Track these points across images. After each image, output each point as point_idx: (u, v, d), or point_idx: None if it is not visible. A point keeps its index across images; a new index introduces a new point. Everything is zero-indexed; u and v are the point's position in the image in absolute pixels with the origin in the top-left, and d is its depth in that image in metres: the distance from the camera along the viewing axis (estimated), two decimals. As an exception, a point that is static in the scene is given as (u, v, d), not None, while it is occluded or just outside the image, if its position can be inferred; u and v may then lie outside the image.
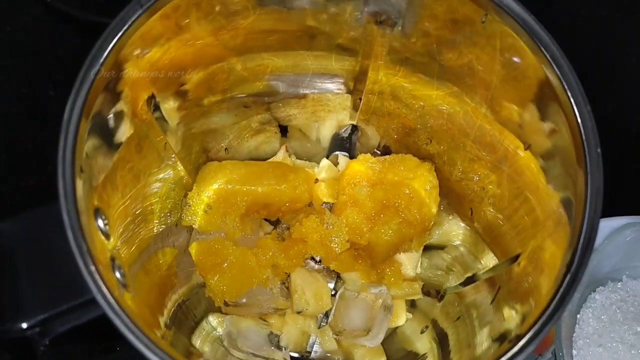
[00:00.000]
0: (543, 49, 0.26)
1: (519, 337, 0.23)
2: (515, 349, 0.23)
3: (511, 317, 0.29)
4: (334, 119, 0.42)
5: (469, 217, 0.38)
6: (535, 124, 0.30)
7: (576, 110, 0.25)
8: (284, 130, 0.42)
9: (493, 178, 0.35)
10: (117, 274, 0.25)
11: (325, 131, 0.43)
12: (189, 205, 0.38)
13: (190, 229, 0.38)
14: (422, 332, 0.39)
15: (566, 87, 0.26)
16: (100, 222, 0.25)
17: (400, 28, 0.32)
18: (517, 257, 0.32)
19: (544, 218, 0.29)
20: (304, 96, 0.40)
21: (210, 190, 0.38)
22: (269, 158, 0.42)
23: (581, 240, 0.23)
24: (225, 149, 0.40)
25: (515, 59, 0.29)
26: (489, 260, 0.37)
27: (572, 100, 0.26)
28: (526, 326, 0.23)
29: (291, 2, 0.31)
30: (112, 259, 0.25)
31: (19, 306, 0.23)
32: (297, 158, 0.42)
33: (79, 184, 0.24)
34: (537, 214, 0.29)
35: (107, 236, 0.26)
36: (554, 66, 0.26)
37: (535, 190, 0.30)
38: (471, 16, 0.29)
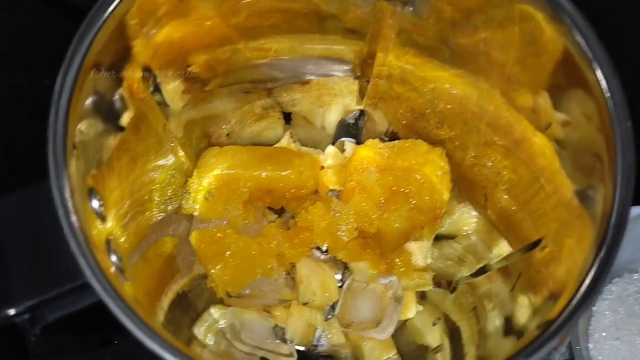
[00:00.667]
0: (566, 18, 0.25)
1: (548, 323, 0.22)
2: (547, 334, 0.21)
3: (534, 305, 0.27)
4: (340, 104, 0.40)
5: (482, 205, 0.36)
6: (555, 105, 0.28)
7: (604, 82, 0.24)
8: (287, 117, 0.41)
9: (508, 163, 0.33)
10: (113, 258, 0.23)
11: (331, 117, 0.41)
12: (189, 192, 0.36)
13: (190, 217, 0.37)
14: (434, 325, 0.37)
15: (591, 58, 0.24)
16: (95, 203, 0.24)
17: (411, 7, 0.31)
18: (535, 243, 0.30)
19: (566, 201, 0.27)
20: (309, 80, 0.38)
21: (211, 176, 0.36)
22: (272, 145, 0.41)
23: (613, 219, 0.22)
24: (227, 134, 0.39)
25: (534, 32, 0.27)
26: (502, 248, 0.35)
27: (598, 72, 0.24)
28: (556, 311, 0.22)
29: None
30: (107, 242, 0.24)
31: (6, 291, 0.21)
32: (301, 145, 0.41)
33: (72, 161, 0.23)
34: (558, 197, 0.28)
35: (103, 218, 0.24)
36: (579, 36, 0.24)
37: (554, 173, 0.28)
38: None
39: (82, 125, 0.24)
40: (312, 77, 0.38)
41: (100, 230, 0.24)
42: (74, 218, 0.21)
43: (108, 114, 0.26)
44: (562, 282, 0.25)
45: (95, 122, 0.25)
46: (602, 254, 0.22)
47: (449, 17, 0.31)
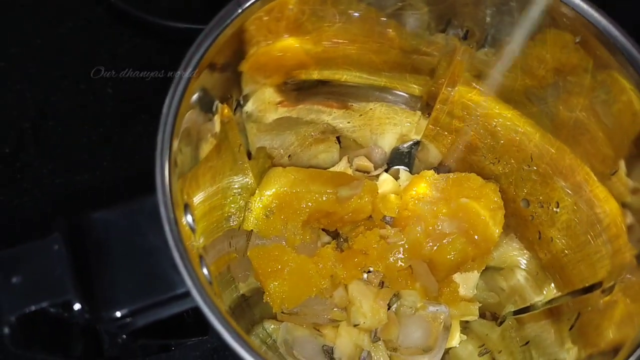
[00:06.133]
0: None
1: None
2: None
3: (591, 347, 0.28)
4: (397, 132, 0.42)
5: (534, 242, 0.37)
6: (630, 170, 0.29)
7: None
8: (338, 140, 0.42)
9: (567, 203, 0.34)
10: (205, 271, 0.25)
11: (384, 144, 0.43)
12: (250, 210, 0.38)
13: (249, 233, 0.38)
14: (480, 355, 0.38)
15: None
16: (189, 218, 0.25)
17: (486, 48, 0.32)
18: (591, 287, 0.31)
19: (630, 247, 0.28)
20: (372, 109, 0.40)
21: (272, 194, 0.37)
22: (326, 168, 0.42)
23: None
24: (289, 155, 0.40)
25: (606, 82, 0.28)
26: (550, 290, 0.36)
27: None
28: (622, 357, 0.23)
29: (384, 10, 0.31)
30: (201, 257, 0.25)
31: (112, 296, 0.22)
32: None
33: (174, 177, 0.24)
34: (622, 241, 0.29)
35: (194, 233, 0.26)
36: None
37: (618, 217, 0.29)
38: (562, 40, 0.29)
39: (180, 144, 0.25)
40: (375, 105, 0.39)
41: (194, 244, 0.25)
42: (177, 231, 0.23)
43: (201, 132, 0.28)
44: (622, 335, 0.25)
45: (190, 142, 0.27)
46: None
47: (527, 71, 0.31)
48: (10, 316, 0.22)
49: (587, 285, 0.31)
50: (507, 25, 0.30)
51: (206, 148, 0.29)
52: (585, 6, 0.27)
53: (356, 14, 0.31)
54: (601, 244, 0.31)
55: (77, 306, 0.22)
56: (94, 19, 0.51)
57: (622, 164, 0.28)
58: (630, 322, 0.26)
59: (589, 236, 0.32)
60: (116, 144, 0.48)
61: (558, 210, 0.34)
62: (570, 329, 0.31)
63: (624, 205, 0.28)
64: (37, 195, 0.46)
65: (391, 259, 0.37)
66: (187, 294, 0.23)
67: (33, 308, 0.22)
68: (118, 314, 0.22)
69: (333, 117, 0.39)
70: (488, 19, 0.31)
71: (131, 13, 0.50)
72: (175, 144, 0.25)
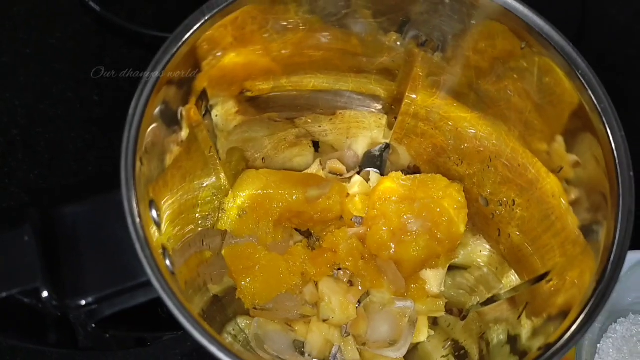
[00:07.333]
0: (580, 76, 0.28)
1: (548, 346, 0.24)
2: (547, 354, 0.24)
3: (537, 330, 0.30)
4: (368, 136, 0.43)
5: (495, 239, 0.39)
6: (568, 148, 0.31)
7: (610, 134, 0.27)
8: (316, 145, 0.44)
9: (521, 201, 0.36)
10: (168, 262, 0.26)
11: (357, 148, 0.44)
12: (224, 210, 0.39)
13: (224, 232, 0.40)
14: (444, 348, 0.39)
15: (601, 111, 0.27)
16: (154, 214, 0.27)
17: (441, 53, 0.34)
18: (542, 276, 0.33)
19: (573, 237, 0.30)
20: (341, 113, 0.41)
21: (246, 195, 0.39)
22: (301, 170, 0.44)
23: (613, 255, 0.25)
24: (263, 158, 0.42)
25: (552, 84, 0.30)
26: (512, 280, 0.38)
27: (606, 124, 0.27)
28: (557, 335, 0.24)
29: (341, 19, 0.33)
30: (164, 248, 0.27)
31: (78, 284, 0.24)
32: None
33: (138, 175, 0.26)
34: (566, 234, 0.31)
35: (159, 228, 0.27)
36: (590, 92, 0.27)
37: (563, 213, 0.31)
38: (511, 44, 0.31)
39: (147, 144, 0.27)
40: (344, 111, 0.41)
41: (158, 238, 0.27)
42: (139, 225, 0.24)
43: (168, 133, 0.30)
44: (564, 310, 0.27)
45: (158, 140, 0.29)
46: (601, 286, 0.25)
47: (476, 65, 0.34)
48: (-17, 302, 0.23)
49: (539, 275, 0.33)
50: (458, 31, 0.32)
51: (174, 150, 0.30)
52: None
53: (315, 17, 0.32)
54: (549, 237, 0.32)
55: (45, 294, 0.24)
56: (82, 29, 0.54)
57: (560, 139, 0.31)
58: (576, 292, 0.27)
59: (540, 230, 0.33)
60: (101, 150, 0.50)
61: (515, 207, 0.36)
62: (519, 317, 0.33)
63: (567, 182, 0.30)
64: (25, 199, 0.48)
65: (359, 257, 0.39)
66: (149, 283, 0.24)
67: (4, 295, 0.23)
68: (83, 301, 0.24)
69: (304, 121, 0.41)
70: (442, 26, 0.33)
71: (118, 23, 0.52)
72: (141, 143, 0.26)
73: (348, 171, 0.44)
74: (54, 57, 0.52)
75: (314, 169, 0.43)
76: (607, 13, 0.56)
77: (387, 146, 0.44)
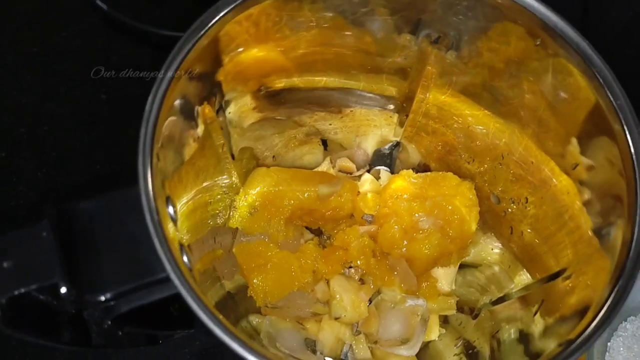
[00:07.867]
0: (596, 72, 0.28)
1: (569, 342, 0.24)
2: (567, 351, 0.24)
3: (552, 328, 0.30)
4: (378, 134, 0.43)
5: (506, 237, 0.39)
6: (582, 150, 0.31)
7: (627, 130, 0.27)
8: (324, 143, 0.44)
9: (534, 198, 0.36)
10: (185, 258, 0.26)
11: (367, 146, 0.44)
12: (236, 208, 0.39)
13: (235, 230, 0.40)
14: (455, 347, 0.39)
15: (617, 108, 0.27)
16: (171, 210, 0.27)
17: (455, 51, 0.34)
18: (555, 274, 0.33)
19: (587, 237, 0.30)
20: (352, 111, 0.41)
21: (257, 193, 0.39)
22: (311, 168, 0.44)
23: (631, 254, 0.25)
24: (273, 156, 0.42)
25: (566, 82, 0.30)
26: (523, 279, 0.38)
27: (623, 121, 0.27)
28: (577, 332, 0.24)
29: (356, 16, 0.33)
30: (180, 245, 0.27)
31: (97, 280, 0.24)
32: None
33: (155, 171, 0.26)
34: (580, 233, 0.31)
35: (175, 224, 0.27)
36: (606, 88, 0.27)
37: (577, 211, 0.31)
38: (525, 41, 0.31)
39: (163, 140, 0.27)
40: (354, 108, 0.41)
41: (174, 234, 0.27)
42: (157, 221, 0.24)
43: (183, 132, 0.30)
44: (580, 309, 0.27)
45: (173, 138, 0.28)
46: (620, 282, 0.25)
47: (489, 62, 0.34)
48: (1, 298, 0.23)
49: (552, 273, 0.33)
50: (472, 28, 0.32)
51: (189, 147, 0.30)
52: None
53: (330, 14, 0.32)
54: (562, 236, 0.32)
55: (63, 289, 0.24)
56: (89, 27, 0.53)
57: (574, 142, 0.30)
58: (592, 289, 0.27)
59: (553, 228, 0.33)
60: (108, 148, 0.50)
61: (527, 205, 0.36)
62: (534, 315, 0.33)
63: (581, 183, 0.30)
64: (32, 198, 0.48)
65: (371, 255, 0.39)
66: (167, 279, 0.24)
67: (22, 290, 0.23)
68: (103, 297, 0.24)
69: (314, 119, 0.41)
70: (457, 24, 0.32)
71: (125, 22, 0.52)
72: (158, 139, 0.26)
73: (358, 169, 0.44)
74: (60, 55, 0.52)
75: (324, 167, 0.43)
76: (607, 13, 0.56)
77: (397, 144, 0.44)
